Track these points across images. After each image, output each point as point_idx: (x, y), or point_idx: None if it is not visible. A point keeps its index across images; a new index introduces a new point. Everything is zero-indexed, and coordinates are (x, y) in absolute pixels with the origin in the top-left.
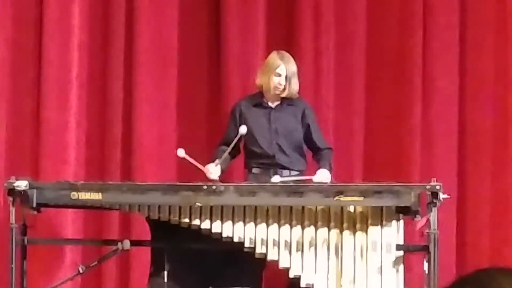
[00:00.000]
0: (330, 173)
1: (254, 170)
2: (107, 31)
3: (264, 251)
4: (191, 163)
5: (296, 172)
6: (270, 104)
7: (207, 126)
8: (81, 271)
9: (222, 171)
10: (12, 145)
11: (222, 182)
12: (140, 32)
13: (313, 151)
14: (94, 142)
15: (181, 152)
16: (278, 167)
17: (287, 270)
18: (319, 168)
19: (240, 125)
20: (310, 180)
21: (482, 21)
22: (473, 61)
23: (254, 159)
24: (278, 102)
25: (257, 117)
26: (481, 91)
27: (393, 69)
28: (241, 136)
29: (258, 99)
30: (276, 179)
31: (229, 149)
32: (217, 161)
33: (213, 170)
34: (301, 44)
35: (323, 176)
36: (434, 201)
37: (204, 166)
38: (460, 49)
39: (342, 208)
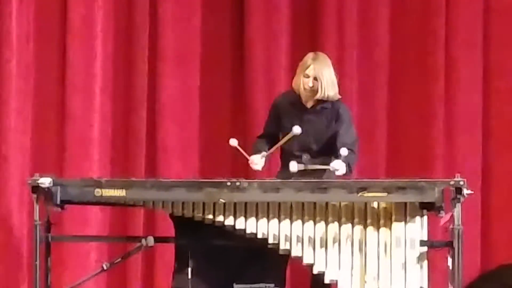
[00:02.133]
0: (348, 170)
1: (284, 169)
2: (131, 31)
3: (288, 247)
4: (241, 153)
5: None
6: (305, 104)
7: (230, 125)
8: (105, 268)
9: (265, 163)
10: (36, 142)
11: (247, 178)
12: (164, 32)
13: (337, 152)
14: (118, 139)
15: (234, 142)
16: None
17: (311, 266)
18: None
19: (276, 121)
20: (327, 170)
21: (506, 13)
22: (497, 54)
23: (285, 157)
24: (314, 103)
25: (291, 116)
26: (506, 85)
27: (416, 64)
28: (294, 135)
29: (295, 98)
30: (293, 166)
31: (278, 144)
32: (264, 152)
33: (258, 162)
34: (325, 49)
35: (337, 164)
36: (458, 196)
37: (249, 157)
38: (484, 44)
39: (366, 204)
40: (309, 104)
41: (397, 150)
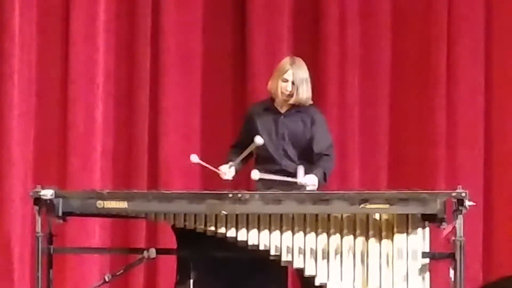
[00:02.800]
0: (323, 180)
1: (251, 175)
2: (132, 37)
3: (290, 259)
4: (206, 167)
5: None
6: (279, 109)
7: (232, 133)
8: (107, 279)
9: (236, 172)
10: (38, 154)
11: (249, 190)
12: (166, 39)
13: (316, 158)
14: (120, 151)
15: (194, 158)
16: (285, 173)
17: (313, 278)
18: (310, 172)
19: (250, 129)
20: (292, 182)
21: (508, 24)
22: (498, 64)
23: (262, 164)
24: (288, 108)
25: (266, 122)
26: (507, 96)
27: (417, 74)
28: (256, 145)
29: (269, 104)
30: (255, 174)
31: (243, 155)
32: (231, 163)
33: (227, 171)
34: (327, 48)
35: (309, 180)
36: (460, 208)
37: (217, 168)
38: (486, 53)
39: (367, 215)
40: (283, 109)
41: (399, 161)
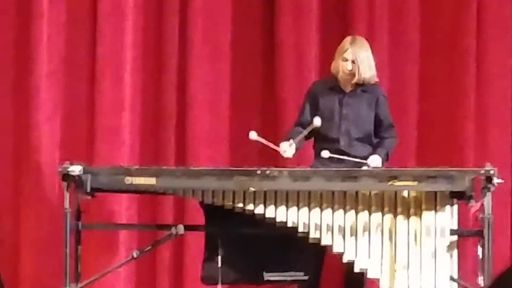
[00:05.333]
0: (385, 161)
1: (322, 154)
2: (161, 16)
3: (318, 236)
4: (265, 144)
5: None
6: (344, 88)
7: (261, 112)
8: (135, 256)
9: (296, 150)
10: (66, 130)
11: (277, 166)
12: (195, 18)
13: (378, 138)
14: (148, 127)
15: (253, 135)
16: (344, 153)
17: (341, 255)
18: (373, 153)
19: (313, 108)
20: (360, 163)
21: None
22: None
23: (321, 143)
24: (353, 88)
25: (329, 101)
26: None
27: (447, 52)
28: (314, 127)
29: (333, 83)
30: (325, 154)
31: (303, 134)
32: (291, 140)
33: (287, 149)
34: (355, 29)
35: (373, 161)
36: (488, 185)
37: (278, 146)
38: None
39: (396, 193)
40: (347, 89)
41: (427, 139)
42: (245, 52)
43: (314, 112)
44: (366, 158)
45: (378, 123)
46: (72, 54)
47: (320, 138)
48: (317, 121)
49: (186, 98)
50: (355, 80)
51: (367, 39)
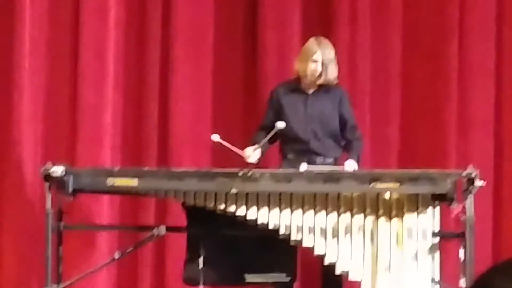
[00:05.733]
0: (358, 164)
1: (289, 156)
2: (143, 16)
3: (299, 238)
4: (228, 148)
5: (330, 159)
6: (307, 90)
7: (243, 112)
8: (116, 257)
9: (262, 155)
10: (48, 131)
11: (259, 167)
12: (177, 18)
13: (344, 140)
14: (130, 129)
15: (215, 137)
16: (312, 153)
17: (322, 257)
18: (347, 159)
19: (276, 110)
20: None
21: None
22: (510, 49)
23: (289, 144)
24: (315, 89)
25: (293, 103)
26: None
27: (429, 55)
28: (277, 130)
29: (296, 85)
30: (303, 167)
31: (267, 138)
32: (256, 145)
33: (251, 154)
34: (338, 30)
35: (349, 167)
36: (470, 188)
37: (241, 150)
38: (496, 38)
39: (378, 194)
40: (310, 90)
41: (410, 141)
42: (228, 53)
43: (277, 115)
44: (337, 158)
45: (342, 123)
46: (54, 54)
47: (287, 140)
48: (280, 124)
49: (168, 99)
50: (320, 81)
51: (350, 43)
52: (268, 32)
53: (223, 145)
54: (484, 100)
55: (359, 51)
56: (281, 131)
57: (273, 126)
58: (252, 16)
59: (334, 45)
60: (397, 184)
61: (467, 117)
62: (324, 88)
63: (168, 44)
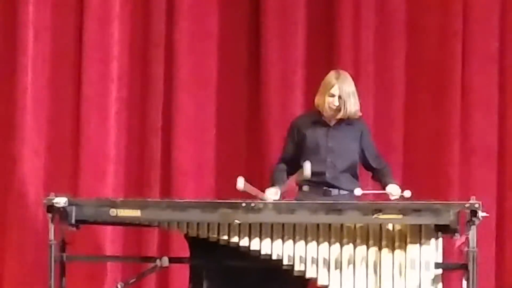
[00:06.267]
0: (399, 186)
1: (304, 188)
2: (146, 38)
3: (302, 268)
4: (251, 193)
5: (346, 192)
6: (328, 122)
7: (246, 143)
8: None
9: (280, 197)
10: (51, 161)
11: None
12: (180, 53)
13: (371, 172)
14: (133, 160)
15: (240, 183)
16: (328, 185)
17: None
18: (385, 185)
19: (298, 142)
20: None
21: None
22: None
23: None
24: (336, 121)
25: (314, 134)
26: None
27: (432, 83)
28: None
29: (317, 117)
30: (358, 191)
31: (290, 182)
32: (277, 188)
33: (273, 197)
34: (341, 61)
35: (394, 190)
36: (473, 219)
37: (263, 192)
38: (500, 61)
39: (380, 226)
40: (332, 122)
41: (412, 172)
42: (231, 78)
43: (298, 148)
44: (352, 190)
45: (365, 156)
46: (57, 82)
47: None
48: (307, 170)
49: (171, 130)
50: (340, 115)
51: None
52: (271, 65)
53: (247, 191)
54: (487, 131)
55: (362, 80)
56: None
57: (293, 158)
58: (255, 49)
59: (336, 66)
60: (400, 216)
61: (470, 147)
62: (345, 121)
63: (171, 77)
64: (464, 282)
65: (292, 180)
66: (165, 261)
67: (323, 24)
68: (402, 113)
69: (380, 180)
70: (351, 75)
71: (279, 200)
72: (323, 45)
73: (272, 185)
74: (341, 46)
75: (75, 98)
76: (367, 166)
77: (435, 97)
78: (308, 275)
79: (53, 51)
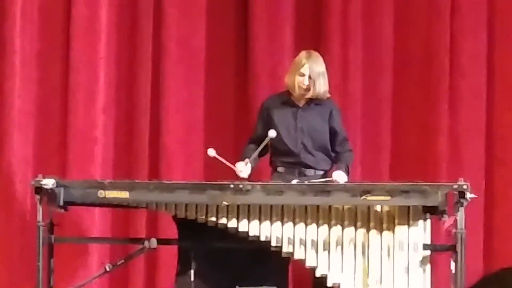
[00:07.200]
0: (348, 175)
1: (279, 169)
2: (135, 31)
3: (290, 250)
4: (222, 162)
5: (321, 172)
6: (297, 103)
7: (234, 125)
8: (108, 269)
9: (251, 169)
10: (39, 143)
11: (251, 180)
12: (168, 35)
13: (334, 153)
14: (121, 141)
15: (211, 152)
16: (303, 166)
17: (313, 269)
18: (335, 169)
19: (267, 123)
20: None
21: (510, 20)
22: (501, 59)
23: (279, 157)
24: (306, 102)
25: (283, 115)
26: (510, 89)
27: (420, 67)
28: (270, 139)
29: (286, 98)
30: (294, 182)
31: (258, 150)
32: (247, 160)
33: (243, 169)
34: (329, 45)
35: (338, 177)
36: (461, 200)
37: (233, 164)
38: (488, 48)
39: (369, 207)
40: (301, 103)
41: (401, 154)
42: (219, 65)
43: (267, 128)
44: (328, 171)
45: (333, 136)
46: (45, 67)
47: (278, 153)
48: (271, 133)
49: (159, 112)
50: (309, 95)
51: (342, 49)
52: (258, 47)
53: (217, 159)
54: (475, 112)
55: (351, 65)
56: (271, 144)
57: (263, 139)
58: (243, 32)
59: (325, 58)
60: (388, 197)
61: (458, 129)
62: (314, 101)
63: (159, 57)
64: (452, 263)
65: (259, 148)
66: (153, 242)
67: (311, 16)
68: (391, 96)
69: (335, 163)
70: (339, 65)
71: (249, 172)
72: (311, 37)
73: (243, 159)
74: (329, 37)
75: (63, 80)
76: (332, 147)
77: (424, 80)
78: (296, 256)
79: (41, 30)
